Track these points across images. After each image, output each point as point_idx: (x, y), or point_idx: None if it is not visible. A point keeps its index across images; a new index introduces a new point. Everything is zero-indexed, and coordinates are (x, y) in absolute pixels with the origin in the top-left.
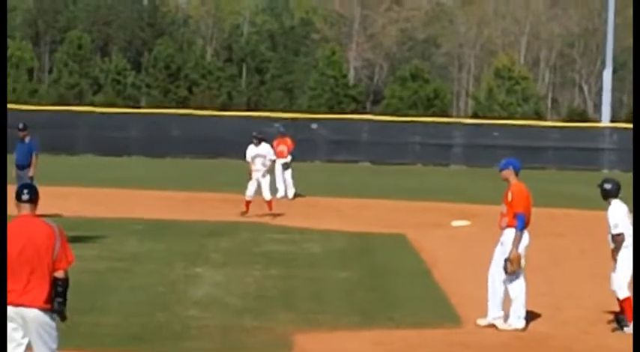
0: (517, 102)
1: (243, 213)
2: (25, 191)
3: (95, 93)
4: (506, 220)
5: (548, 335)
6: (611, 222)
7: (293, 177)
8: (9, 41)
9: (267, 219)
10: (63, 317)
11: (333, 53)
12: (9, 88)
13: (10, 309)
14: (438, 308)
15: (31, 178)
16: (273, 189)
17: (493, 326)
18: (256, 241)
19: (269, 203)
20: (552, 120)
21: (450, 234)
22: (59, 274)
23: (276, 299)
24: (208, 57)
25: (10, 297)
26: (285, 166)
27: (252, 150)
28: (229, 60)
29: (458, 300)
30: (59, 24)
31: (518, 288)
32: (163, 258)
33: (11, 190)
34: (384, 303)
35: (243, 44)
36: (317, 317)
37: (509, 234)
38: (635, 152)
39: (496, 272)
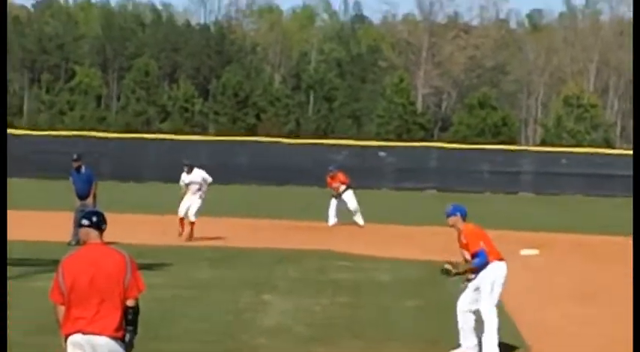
0: (586, 129)
1: (180, 234)
2: (94, 218)
3: (163, 120)
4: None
5: None
6: None
7: (355, 204)
8: (77, 68)
9: (184, 240)
10: (129, 348)
11: (401, 80)
12: (77, 114)
13: (79, 337)
14: (507, 337)
15: (94, 207)
16: (325, 218)
17: None
18: (324, 269)
19: (192, 224)
20: (622, 148)
21: (519, 262)
22: (130, 302)
23: (344, 328)
24: (276, 84)
25: (78, 325)
26: (338, 196)
27: (185, 177)
28: (297, 87)
29: (527, 329)
30: (127, 51)
31: (492, 317)
32: (231, 286)
33: (68, 218)
34: (453, 332)
35: (312, 72)
36: (385, 345)
37: (482, 274)
38: (635, 157)
39: (465, 303)
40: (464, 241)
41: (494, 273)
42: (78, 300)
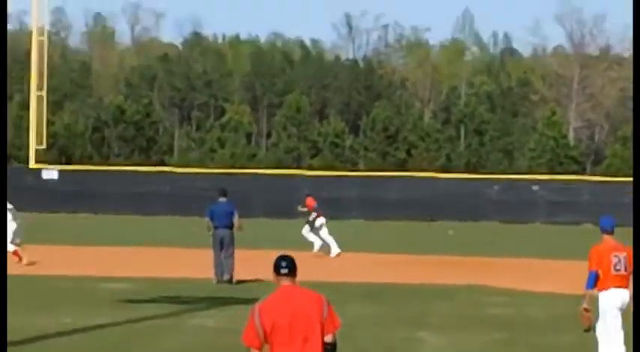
0: None
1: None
2: (284, 264)
3: (313, 156)
4: None
5: None
6: None
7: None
8: (227, 105)
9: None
10: None
11: (553, 113)
12: (228, 152)
13: None
14: None
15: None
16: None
17: None
18: (477, 304)
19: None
20: None
21: None
22: (328, 338)
23: None
24: (426, 119)
25: None
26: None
27: None
28: (447, 122)
29: None
30: (276, 87)
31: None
32: (384, 322)
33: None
34: None
35: (462, 106)
36: None
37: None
38: (635, 154)
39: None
40: None
41: (604, 302)
42: (282, 341)
